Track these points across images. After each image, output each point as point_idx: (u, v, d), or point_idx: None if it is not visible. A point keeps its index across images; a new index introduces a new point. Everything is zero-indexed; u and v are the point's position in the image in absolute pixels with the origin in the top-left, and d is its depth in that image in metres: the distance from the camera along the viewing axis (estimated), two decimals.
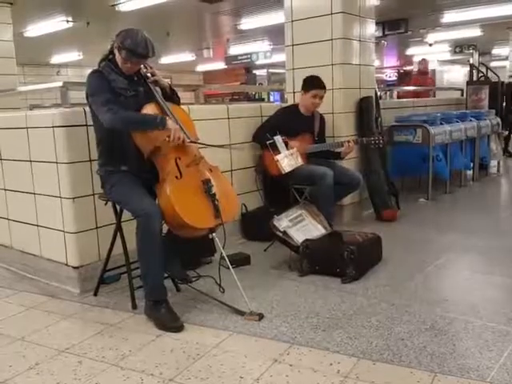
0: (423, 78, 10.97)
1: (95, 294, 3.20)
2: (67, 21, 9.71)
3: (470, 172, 7.03)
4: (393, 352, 2.37)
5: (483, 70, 8.61)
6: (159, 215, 2.70)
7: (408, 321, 2.69)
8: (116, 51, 2.85)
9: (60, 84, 3.65)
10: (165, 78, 3.11)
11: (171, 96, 3.07)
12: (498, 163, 7.71)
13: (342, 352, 2.39)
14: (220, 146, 3.41)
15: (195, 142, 2.95)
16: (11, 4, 7.25)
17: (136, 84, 2.93)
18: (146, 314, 2.81)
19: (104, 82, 2.80)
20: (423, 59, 12.30)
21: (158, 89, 2.98)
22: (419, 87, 10.36)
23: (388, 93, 9.08)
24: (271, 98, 13.55)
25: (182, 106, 3.19)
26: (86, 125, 3.18)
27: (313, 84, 4.27)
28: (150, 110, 2.88)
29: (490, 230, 4.52)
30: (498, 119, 7.53)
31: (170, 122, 2.76)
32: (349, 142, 4.27)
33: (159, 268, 2.77)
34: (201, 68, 18.97)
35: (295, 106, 4.49)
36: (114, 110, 2.71)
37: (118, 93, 2.82)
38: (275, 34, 10.91)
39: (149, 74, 2.96)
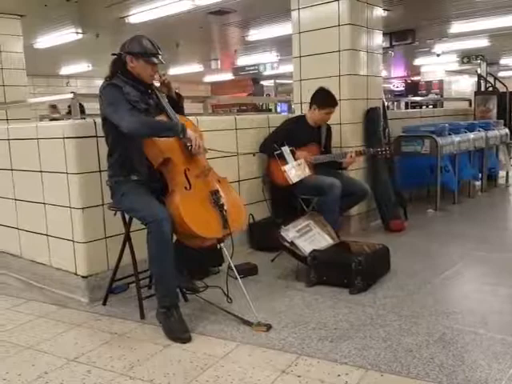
0: None
1: (104, 304, 3.22)
2: (77, 33, 9.81)
3: (478, 183, 7.00)
4: (401, 363, 2.36)
5: (491, 80, 8.58)
6: (169, 220, 2.72)
7: (416, 332, 2.68)
8: (129, 62, 2.89)
9: (71, 96, 3.70)
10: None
11: (177, 102, 3.13)
12: (507, 174, 7.68)
13: (350, 363, 2.39)
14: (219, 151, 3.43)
15: (214, 150, 2.99)
16: (22, 16, 7.35)
17: (147, 97, 2.98)
18: (157, 319, 2.82)
19: (120, 93, 2.83)
20: None
21: (166, 99, 3.02)
22: (425, 97, 10.31)
23: (395, 103, 9.09)
24: (278, 109, 13.62)
25: (191, 117, 3.22)
26: (96, 136, 3.22)
27: (326, 102, 4.28)
28: None
29: (498, 241, 4.50)
30: (507, 130, 7.51)
31: (190, 131, 2.84)
32: (351, 153, 4.29)
33: (171, 273, 2.77)
34: (208, 79, 19.07)
35: (302, 117, 4.50)
36: (136, 115, 2.78)
37: (133, 105, 2.86)
38: (283, 45, 10.98)
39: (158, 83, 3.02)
